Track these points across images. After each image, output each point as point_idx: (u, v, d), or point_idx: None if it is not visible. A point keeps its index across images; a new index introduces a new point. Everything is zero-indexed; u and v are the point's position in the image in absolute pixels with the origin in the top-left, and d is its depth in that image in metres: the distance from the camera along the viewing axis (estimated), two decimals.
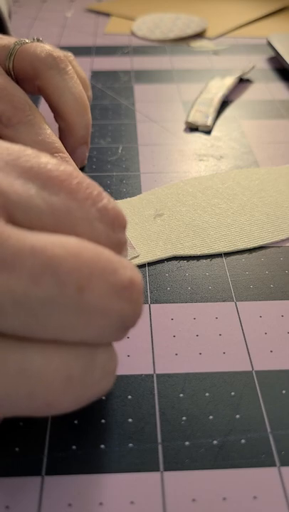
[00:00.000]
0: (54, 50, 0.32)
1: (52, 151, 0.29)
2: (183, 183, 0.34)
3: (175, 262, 0.28)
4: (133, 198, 0.32)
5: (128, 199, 0.32)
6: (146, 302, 0.25)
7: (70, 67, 0.32)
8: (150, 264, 0.28)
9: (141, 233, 0.29)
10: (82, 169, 0.30)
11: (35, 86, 0.32)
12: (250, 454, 0.19)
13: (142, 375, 0.22)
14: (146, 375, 0.22)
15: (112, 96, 0.45)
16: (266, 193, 0.33)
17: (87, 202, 0.17)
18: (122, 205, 0.32)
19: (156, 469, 0.19)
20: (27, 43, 0.31)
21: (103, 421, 0.20)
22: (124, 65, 0.51)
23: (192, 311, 0.25)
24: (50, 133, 0.30)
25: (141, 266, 0.28)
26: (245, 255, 0.28)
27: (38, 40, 0.33)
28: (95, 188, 0.17)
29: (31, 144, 0.29)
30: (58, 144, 0.29)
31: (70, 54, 0.35)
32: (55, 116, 0.32)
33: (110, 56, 0.54)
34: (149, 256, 0.28)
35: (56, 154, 0.29)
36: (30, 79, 0.31)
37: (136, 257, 0.27)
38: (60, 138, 0.32)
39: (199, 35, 0.59)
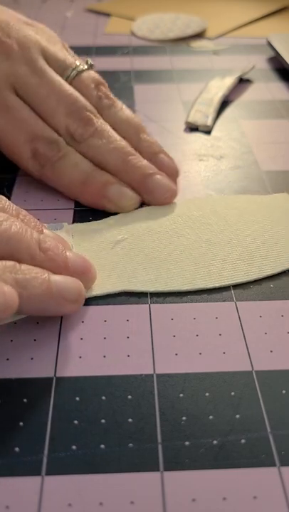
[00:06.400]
0: (101, 87, 0.34)
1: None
2: (154, 208, 0.31)
3: None
4: (99, 221, 0.30)
5: (92, 222, 0.30)
6: (146, 302, 0.25)
7: (115, 100, 0.34)
8: None
9: (95, 262, 0.27)
10: None
11: None
12: (250, 454, 0.19)
13: (142, 375, 0.22)
14: (146, 375, 0.22)
15: None
16: (243, 225, 0.30)
17: None
18: (85, 228, 0.30)
19: (156, 469, 0.19)
20: (83, 70, 0.34)
21: (103, 421, 0.20)
22: (124, 65, 0.51)
23: (192, 311, 0.25)
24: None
25: None
26: None
27: (90, 65, 0.35)
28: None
29: None
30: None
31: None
32: None
33: (110, 56, 0.53)
34: (98, 289, 0.26)
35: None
36: None
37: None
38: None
39: (199, 35, 0.58)
